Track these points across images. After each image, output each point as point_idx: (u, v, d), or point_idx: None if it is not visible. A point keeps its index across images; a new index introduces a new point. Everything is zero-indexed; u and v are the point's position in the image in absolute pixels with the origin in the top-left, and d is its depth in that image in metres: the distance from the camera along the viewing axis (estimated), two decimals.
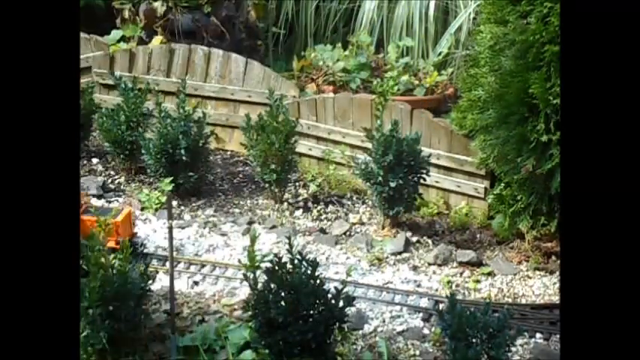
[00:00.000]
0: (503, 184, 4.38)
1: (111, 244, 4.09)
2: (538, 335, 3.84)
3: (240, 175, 5.47)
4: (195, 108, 5.11)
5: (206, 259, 4.41)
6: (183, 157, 4.88)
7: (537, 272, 4.35)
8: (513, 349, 3.49)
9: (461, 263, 4.41)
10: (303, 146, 5.31)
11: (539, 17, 3.97)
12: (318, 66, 6.02)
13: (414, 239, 4.62)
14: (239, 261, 4.28)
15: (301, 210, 4.98)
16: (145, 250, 4.21)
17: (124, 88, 5.21)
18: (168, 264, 3.68)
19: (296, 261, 3.41)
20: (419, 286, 4.22)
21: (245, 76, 5.65)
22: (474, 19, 6.00)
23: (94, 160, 5.56)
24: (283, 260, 3.39)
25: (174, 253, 3.96)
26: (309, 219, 4.88)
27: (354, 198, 5.10)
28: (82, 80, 5.65)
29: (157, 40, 6.12)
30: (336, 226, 4.77)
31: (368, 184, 4.62)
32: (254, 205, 5.04)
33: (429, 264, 4.41)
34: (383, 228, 4.69)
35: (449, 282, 4.24)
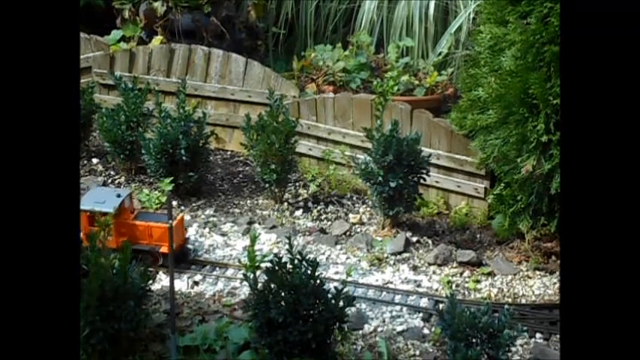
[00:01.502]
0: (503, 184, 4.38)
1: (163, 249, 4.10)
2: (538, 335, 3.84)
3: (240, 175, 5.47)
4: (195, 108, 5.11)
5: (206, 259, 4.41)
6: (184, 157, 4.88)
7: (537, 272, 4.36)
8: (513, 349, 3.50)
9: (461, 263, 4.41)
10: (303, 146, 5.31)
11: (539, 17, 3.97)
12: (318, 66, 6.02)
13: (414, 239, 4.62)
14: (239, 261, 4.29)
15: (301, 210, 4.98)
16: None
17: (124, 88, 5.21)
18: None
19: (296, 261, 3.41)
20: (419, 286, 4.22)
21: (245, 76, 5.65)
22: (474, 19, 6.00)
23: (94, 160, 5.56)
24: (283, 260, 3.39)
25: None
26: (309, 219, 4.88)
27: (354, 198, 5.11)
28: (82, 80, 5.65)
29: (157, 40, 6.12)
30: (336, 226, 4.78)
31: (368, 184, 4.62)
32: (254, 205, 5.04)
33: (429, 264, 4.41)
34: (383, 228, 4.69)
35: (449, 282, 4.24)
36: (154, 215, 4.37)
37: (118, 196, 4.18)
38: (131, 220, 4.23)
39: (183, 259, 4.27)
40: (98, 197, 4.17)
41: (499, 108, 4.22)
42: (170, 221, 3.43)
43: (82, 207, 4.08)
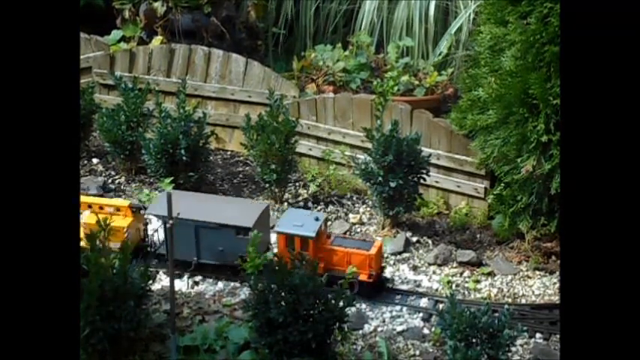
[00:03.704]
0: (503, 185, 4.38)
1: (362, 277, 3.95)
2: (538, 335, 3.85)
3: (240, 175, 5.47)
4: (195, 108, 5.11)
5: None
6: (184, 157, 4.88)
7: (537, 272, 4.36)
8: (513, 349, 3.50)
9: (461, 263, 4.41)
10: (303, 146, 5.31)
11: (539, 17, 3.97)
12: (318, 66, 6.02)
13: (414, 239, 4.62)
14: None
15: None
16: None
17: (125, 88, 5.21)
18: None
19: (296, 261, 3.41)
20: (419, 286, 4.23)
21: (245, 76, 5.65)
22: (474, 19, 6.00)
23: (94, 160, 5.56)
24: (283, 260, 3.40)
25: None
26: None
27: (354, 198, 5.11)
28: (82, 80, 5.65)
29: (157, 40, 6.12)
30: (336, 226, 4.77)
31: (368, 184, 4.62)
32: None
33: (429, 264, 4.41)
34: (383, 228, 4.69)
35: (449, 282, 4.24)
36: (351, 241, 4.20)
37: (316, 219, 4.03)
38: (329, 244, 4.07)
39: (380, 287, 4.09)
40: (296, 220, 4.05)
41: (499, 108, 4.22)
42: (170, 221, 3.43)
43: (280, 230, 4.01)
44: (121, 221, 4.17)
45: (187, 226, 4.03)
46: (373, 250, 4.01)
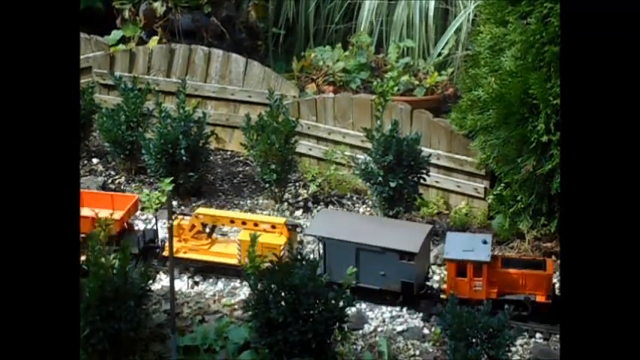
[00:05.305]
0: (503, 185, 4.38)
1: (540, 298, 3.81)
2: (538, 335, 3.84)
3: (240, 175, 5.47)
4: (195, 108, 5.12)
5: None
6: (184, 157, 4.88)
7: None
8: (513, 349, 3.50)
9: None
10: (303, 146, 5.31)
11: (539, 18, 3.97)
12: (318, 66, 6.02)
13: None
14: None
15: (301, 210, 4.98)
16: None
17: (124, 88, 5.21)
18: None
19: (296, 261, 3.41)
20: None
21: (245, 76, 5.65)
22: (474, 19, 6.00)
23: (94, 160, 5.56)
24: (283, 260, 3.40)
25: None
26: (310, 219, 4.88)
27: (354, 198, 5.11)
28: (82, 80, 5.65)
29: (154, 40, 6.12)
30: None
31: (368, 184, 4.62)
32: (254, 205, 5.04)
33: (429, 264, 4.40)
34: None
35: None
36: (520, 261, 4.02)
37: (484, 242, 3.87)
38: (500, 267, 3.91)
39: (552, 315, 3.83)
40: (463, 245, 3.88)
41: (499, 108, 4.22)
42: (170, 221, 3.43)
43: (451, 257, 3.83)
44: (277, 239, 4.09)
45: (348, 248, 3.86)
46: (549, 270, 3.87)
